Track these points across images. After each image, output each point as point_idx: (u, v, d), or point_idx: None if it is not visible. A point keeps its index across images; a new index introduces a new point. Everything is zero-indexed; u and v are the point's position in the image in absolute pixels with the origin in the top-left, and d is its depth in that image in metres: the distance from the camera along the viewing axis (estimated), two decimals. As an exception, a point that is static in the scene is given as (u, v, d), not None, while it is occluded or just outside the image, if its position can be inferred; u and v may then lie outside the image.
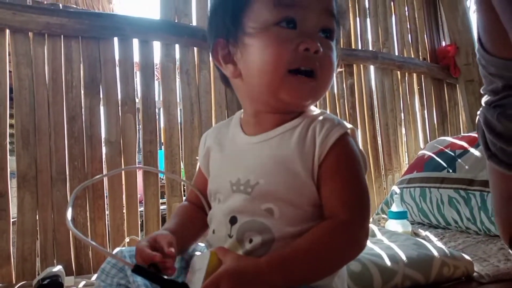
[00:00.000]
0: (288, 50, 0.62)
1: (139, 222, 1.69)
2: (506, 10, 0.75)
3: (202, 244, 0.79)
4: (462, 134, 2.39)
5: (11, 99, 1.48)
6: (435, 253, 1.17)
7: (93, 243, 0.63)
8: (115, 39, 1.68)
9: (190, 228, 0.76)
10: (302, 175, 0.65)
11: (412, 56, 2.68)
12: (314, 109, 0.73)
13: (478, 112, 0.99)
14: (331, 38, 0.65)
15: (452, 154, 1.86)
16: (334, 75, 0.68)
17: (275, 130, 0.69)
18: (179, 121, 1.82)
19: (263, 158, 0.68)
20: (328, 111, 2.20)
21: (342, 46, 2.33)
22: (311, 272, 0.60)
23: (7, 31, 1.48)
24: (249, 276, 0.56)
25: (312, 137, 0.66)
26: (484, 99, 0.97)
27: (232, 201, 0.68)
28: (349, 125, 0.68)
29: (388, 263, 1.10)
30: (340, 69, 0.72)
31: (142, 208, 1.70)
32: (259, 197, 0.65)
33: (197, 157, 0.85)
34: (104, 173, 1.62)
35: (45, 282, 1.14)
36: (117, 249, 0.76)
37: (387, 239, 1.37)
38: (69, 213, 0.64)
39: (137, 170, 1.70)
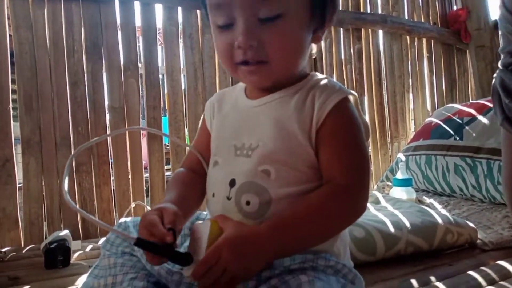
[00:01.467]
0: (228, 49, 0.63)
1: (145, 188, 1.70)
2: None
3: (205, 212, 0.79)
4: (470, 101, 2.35)
5: (12, 63, 1.46)
6: (439, 220, 1.17)
7: (93, 217, 0.61)
8: (116, 2, 1.64)
9: (192, 198, 0.75)
10: (300, 138, 0.64)
11: (422, 20, 2.60)
12: (318, 75, 0.72)
13: (494, 75, 0.95)
14: (277, 18, 0.60)
15: (460, 121, 1.83)
16: (299, 48, 0.65)
17: (276, 94, 0.68)
18: (183, 87, 1.79)
19: (263, 121, 0.68)
20: (334, 77, 2.18)
21: (350, 9, 2.27)
22: (311, 237, 0.60)
23: (5, -7, 1.45)
24: (249, 245, 0.56)
25: (311, 101, 0.65)
26: (501, 61, 0.93)
27: (233, 164, 0.68)
28: (350, 91, 0.67)
29: (392, 229, 1.11)
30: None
31: (147, 174, 1.71)
32: (258, 159, 0.65)
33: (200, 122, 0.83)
34: (108, 139, 1.62)
35: (52, 246, 1.16)
36: (121, 220, 0.76)
37: (391, 206, 1.37)
38: (65, 184, 0.61)
39: (141, 136, 1.69)
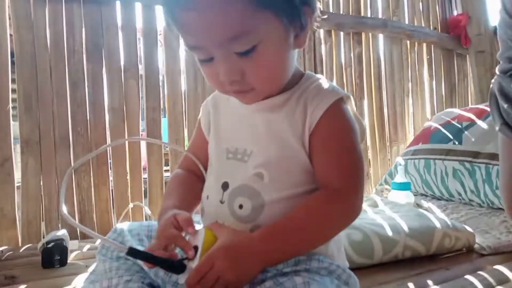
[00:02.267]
0: (215, 81, 0.63)
1: (143, 189, 1.70)
2: None
3: (197, 216, 0.78)
4: (470, 106, 2.35)
5: (12, 63, 1.46)
6: (437, 224, 1.17)
7: (89, 229, 0.61)
8: (117, 3, 1.64)
9: (192, 200, 0.75)
10: (293, 143, 0.64)
11: (423, 25, 2.61)
12: (313, 75, 0.71)
13: (493, 81, 0.95)
14: (253, 49, 0.58)
15: (459, 126, 1.83)
16: (282, 67, 0.64)
17: (269, 100, 0.67)
18: (182, 89, 1.79)
19: (256, 126, 0.68)
20: (334, 80, 2.18)
21: (350, 13, 2.27)
22: (306, 242, 0.60)
23: (7, -7, 1.45)
24: (243, 252, 0.56)
25: (303, 106, 0.65)
26: (499, 67, 0.93)
27: (225, 167, 0.69)
28: (343, 92, 0.66)
29: (390, 233, 1.11)
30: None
31: (146, 175, 1.71)
32: (251, 163, 0.66)
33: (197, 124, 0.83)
34: (107, 139, 1.62)
35: (50, 245, 1.16)
36: (117, 225, 0.76)
37: (390, 209, 1.37)
38: (62, 196, 0.65)
39: (141, 136, 1.69)
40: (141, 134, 1.72)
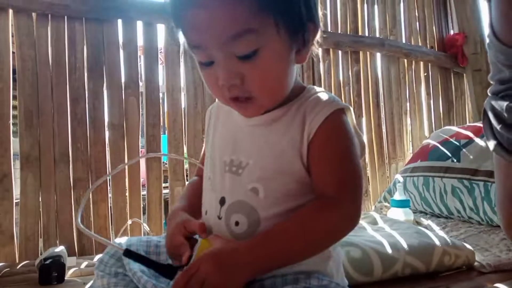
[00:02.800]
0: (215, 86, 0.63)
1: (142, 206, 1.70)
2: None
3: None
4: (468, 123, 2.37)
5: (14, 80, 1.48)
6: (437, 242, 1.17)
7: (101, 237, 0.65)
8: (119, 21, 1.67)
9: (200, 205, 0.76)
10: (289, 155, 0.64)
11: (420, 44, 2.64)
12: (314, 89, 0.71)
13: (485, 102, 0.97)
14: (255, 54, 0.59)
15: (457, 143, 1.84)
16: (282, 78, 0.64)
17: (268, 114, 0.67)
18: (182, 106, 1.81)
19: (253, 139, 0.68)
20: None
21: (348, 32, 2.31)
22: (297, 250, 0.59)
23: (10, 11, 1.47)
24: (229, 257, 0.57)
25: (302, 116, 0.65)
26: (491, 89, 0.95)
27: (223, 181, 0.69)
28: (344, 104, 0.67)
29: (389, 250, 1.10)
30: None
31: (144, 192, 1.71)
32: (246, 177, 0.66)
33: (203, 136, 0.85)
34: (107, 158, 1.62)
35: (47, 262, 1.15)
36: (116, 239, 0.78)
37: (389, 227, 1.36)
38: (80, 210, 0.70)
39: (139, 153, 1.70)
40: (141, 151, 1.72)
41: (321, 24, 0.67)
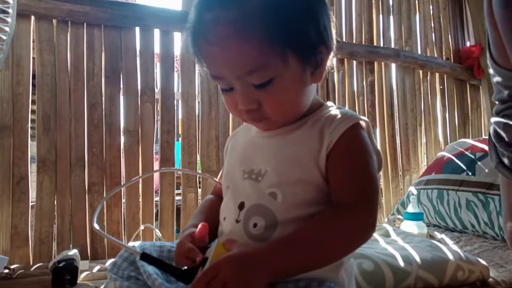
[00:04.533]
0: (235, 109, 0.68)
1: (154, 211, 1.71)
2: (505, 32, 0.77)
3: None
4: (483, 136, 2.34)
5: (33, 85, 1.51)
6: (450, 256, 1.15)
7: (117, 240, 0.66)
8: (137, 29, 1.70)
9: (215, 223, 0.77)
10: (308, 163, 0.66)
11: (435, 56, 2.63)
12: (332, 105, 0.74)
13: (491, 120, 0.98)
14: (269, 82, 0.63)
15: (472, 156, 1.82)
16: (297, 100, 0.68)
17: (286, 126, 0.71)
18: (197, 113, 1.82)
19: (271, 148, 0.71)
20: (346, 108, 2.19)
21: (363, 43, 2.31)
22: (313, 257, 0.60)
23: (32, 17, 1.51)
24: (249, 261, 0.57)
25: (321, 127, 0.68)
26: (494, 108, 0.96)
27: (242, 187, 0.71)
28: (362, 117, 0.69)
29: (402, 263, 1.09)
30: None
31: (157, 198, 1.72)
32: (265, 182, 0.68)
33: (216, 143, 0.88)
34: (122, 163, 1.64)
35: (61, 265, 1.17)
36: (129, 243, 0.80)
37: (402, 239, 1.35)
38: (96, 215, 0.70)
39: (154, 159, 1.72)
40: (155, 157, 1.74)
41: (334, 45, 0.70)
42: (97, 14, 1.59)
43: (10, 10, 1.09)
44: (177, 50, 1.80)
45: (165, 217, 1.71)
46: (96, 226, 0.64)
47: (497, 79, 0.92)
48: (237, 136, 0.83)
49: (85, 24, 1.60)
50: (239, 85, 0.64)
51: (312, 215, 0.64)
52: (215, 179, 0.88)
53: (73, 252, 1.28)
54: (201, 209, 0.83)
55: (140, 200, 1.67)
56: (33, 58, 1.53)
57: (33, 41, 1.53)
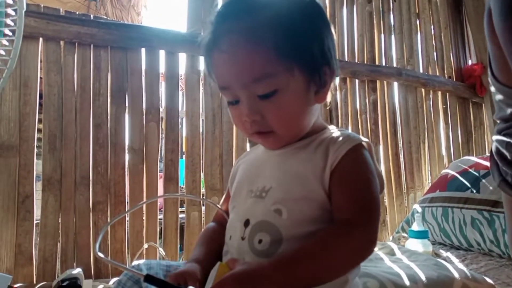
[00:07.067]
0: (240, 121, 0.71)
1: (158, 230, 1.71)
2: (507, 45, 0.77)
3: None
4: (487, 154, 2.33)
5: (40, 104, 1.53)
6: (456, 274, 1.14)
7: (121, 264, 0.65)
8: (143, 50, 1.73)
9: (218, 251, 0.78)
10: (312, 182, 0.67)
11: (437, 74, 2.65)
12: (335, 128, 0.76)
13: (492, 138, 0.98)
14: (274, 94, 0.65)
15: (477, 174, 1.82)
16: (299, 116, 0.70)
17: (291, 145, 0.72)
18: (201, 131, 1.84)
19: (277, 166, 0.72)
20: (349, 126, 2.21)
21: (365, 62, 2.33)
22: (314, 273, 0.60)
23: (40, 39, 1.54)
24: (253, 278, 0.57)
25: (325, 147, 0.69)
26: (496, 127, 0.96)
27: (247, 205, 0.72)
28: (365, 139, 0.71)
29: (407, 282, 1.08)
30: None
31: (161, 216, 1.72)
32: (270, 199, 0.69)
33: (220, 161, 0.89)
34: (126, 182, 1.65)
35: (64, 283, 1.17)
36: (134, 262, 0.80)
37: (407, 258, 1.34)
38: (98, 240, 0.69)
39: (158, 177, 1.73)
40: (159, 175, 1.75)
41: (337, 70, 0.73)
42: (104, 36, 1.63)
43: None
44: (182, 69, 1.83)
45: (169, 235, 1.71)
46: (100, 254, 0.64)
47: (499, 97, 0.92)
48: (247, 157, 0.85)
49: (92, 45, 1.63)
50: (245, 96, 0.66)
51: (316, 232, 0.64)
52: (218, 205, 0.88)
53: (77, 271, 1.28)
54: (203, 239, 0.82)
55: (144, 218, 1.67)
56: (41, 78, 1.56)
57: (41, 61, 1.56)
